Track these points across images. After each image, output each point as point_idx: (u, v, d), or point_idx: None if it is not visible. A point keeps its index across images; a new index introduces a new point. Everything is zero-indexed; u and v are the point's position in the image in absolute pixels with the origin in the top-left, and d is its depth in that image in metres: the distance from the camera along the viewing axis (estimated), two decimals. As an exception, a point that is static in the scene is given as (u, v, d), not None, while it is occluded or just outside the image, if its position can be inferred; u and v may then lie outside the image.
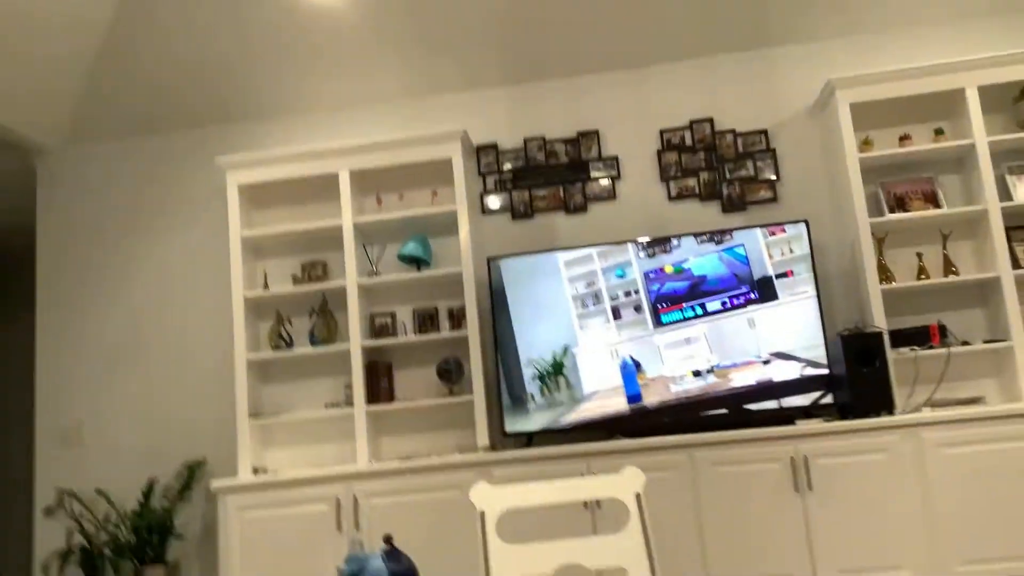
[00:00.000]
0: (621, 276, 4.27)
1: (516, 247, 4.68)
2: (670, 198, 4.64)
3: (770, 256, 4.18)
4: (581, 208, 4.69)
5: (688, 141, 4.67)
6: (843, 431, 3.83)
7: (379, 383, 4.47)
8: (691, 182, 4.63)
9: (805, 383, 4.06)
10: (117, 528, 4.35)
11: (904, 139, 4.36)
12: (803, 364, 4.07)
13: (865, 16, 4.58)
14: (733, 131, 4.65)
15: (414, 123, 4.88)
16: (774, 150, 4.60)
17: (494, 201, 4.76)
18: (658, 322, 4.20)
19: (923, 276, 4.28)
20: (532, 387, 4.23)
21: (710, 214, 4.59)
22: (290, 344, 4.63)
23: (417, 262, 4.58)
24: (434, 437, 4.54)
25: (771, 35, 4.66)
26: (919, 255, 4.34)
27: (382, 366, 4.53)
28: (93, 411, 4.81)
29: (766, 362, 4.09)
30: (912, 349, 4.10)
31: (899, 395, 4.11)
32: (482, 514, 1.70)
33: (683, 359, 4.15)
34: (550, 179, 4.74)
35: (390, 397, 4.52)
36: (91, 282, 4.96)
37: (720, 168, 4.62)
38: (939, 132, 4.35)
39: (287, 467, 4.56)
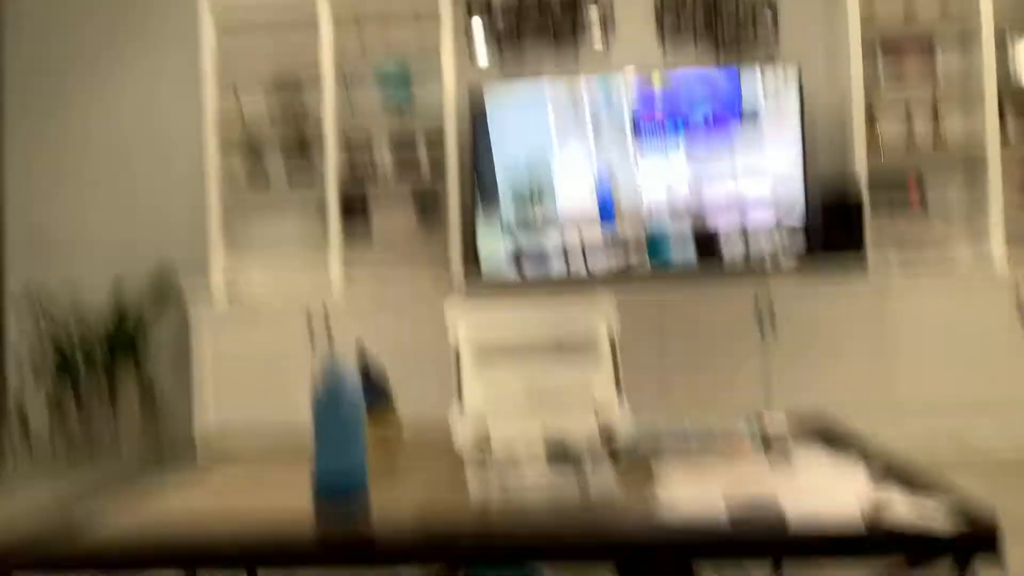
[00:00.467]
0: (607, 99, 4.19)
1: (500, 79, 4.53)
2: (664, 37, 4.48)
3: (763, 92, 4.10)
4: (571, 51, 4.53)
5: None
6: (813, 277, 3.89)
7: (356, 221, 4.44)
8: (687, 35, 4.47)
9: (773, 204, 4.07)
10: (87, 328, 4.42)
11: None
12: (775, 183, 4.06)
13: None
14: (733, -19, 4.45)
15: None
16: (775, 8, 4.42)
17: (481, 41, 4.57)
18: (639, 142, 4.15)
19: (910, 137, 4.23)
20: (507, 207, 4.22)
21: (704, 61, 4.45)
22: (266, 182, 4.54)
23: (398, 100, 4.45)
24: (409, 275, 4.54)
25: None
26: (908, 110, 4.27)
27: (359, 203, 4.48)
28: (64, 211, 4.79)
29: (739, 186, 4.08)
30: (890, 206, 4.11)
31: (873, 251, 4.15)
32: (455, 333, 1.71)
33: (660, 180, 4.14)
34: (541, 21, 4.54)
35: (367, 234, 4.50)
36: (66, 92, 4.81)
37: (718, 23, 4.44)
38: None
39: (259, 284, 4.57)
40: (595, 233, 4.15)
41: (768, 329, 3.89)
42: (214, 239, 4.39)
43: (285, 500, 1.41)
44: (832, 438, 1.66)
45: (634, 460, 1.53)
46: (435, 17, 4.43)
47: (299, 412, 4.09)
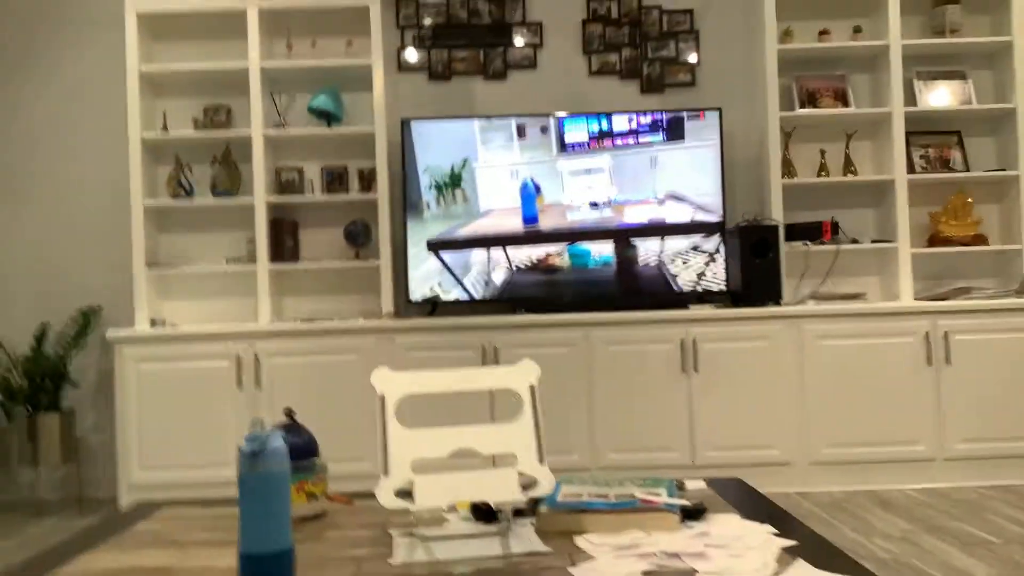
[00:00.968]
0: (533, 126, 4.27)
1: (431, 109, 4.56)
2: (590, 72, 4.58)
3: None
4: (500, 75, 4.59)
5: (614, 13, 4.58)
6: (731, 318, 4.02)
7: (283, 241, 4.40)
8: (612, 58, 4.57)
9: (693, 227, 4.20)
10: (9, 373, 4.25)
11: (823, 34, 4.39)
12: (694, 208, 4.19)
13: (803, -100, 4.48)
14: (659, 7, 4.57)
15: (331, -34, 4.59)
16: (697, 32, 4.57)
17: (411, 57, 4.60)
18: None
19: (824, 173, 4.43)
20: (428, 195, 4.25)
21: (628, 93, 4.57)
22: (190, 192, 4.47)
23: (328, 117, 4.43)
24: (338, 300, 4.54)
25: (708, -90, 4.52)
26: (823, 152, 4.46)
27: (287, 223, 4.44)
28: (-24, 248, 4.59)
29: (661, 202, 4.21)
30: (804, 243, 4.29)
31: (788, 286, 4.32)
32: (382, 397, 1.74)
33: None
34: (471, 40, 4.59)
35: (295, 256, 4.47)
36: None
37: (643, 46, 4.57)
38: (858, 30, 4.39)
39: (185, 320, 4.51)
40: (515, 223, 4.21)
41: (691, 366, 4.01)
42: (137, 264, 4.28)
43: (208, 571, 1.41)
44: (750, 506, 1.73)
45: (555, 520, 1.58)
46: (365, 28, 4.41)
47: (224, 455, 4.10)
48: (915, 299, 4.23)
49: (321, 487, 1.77)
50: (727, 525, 1.55)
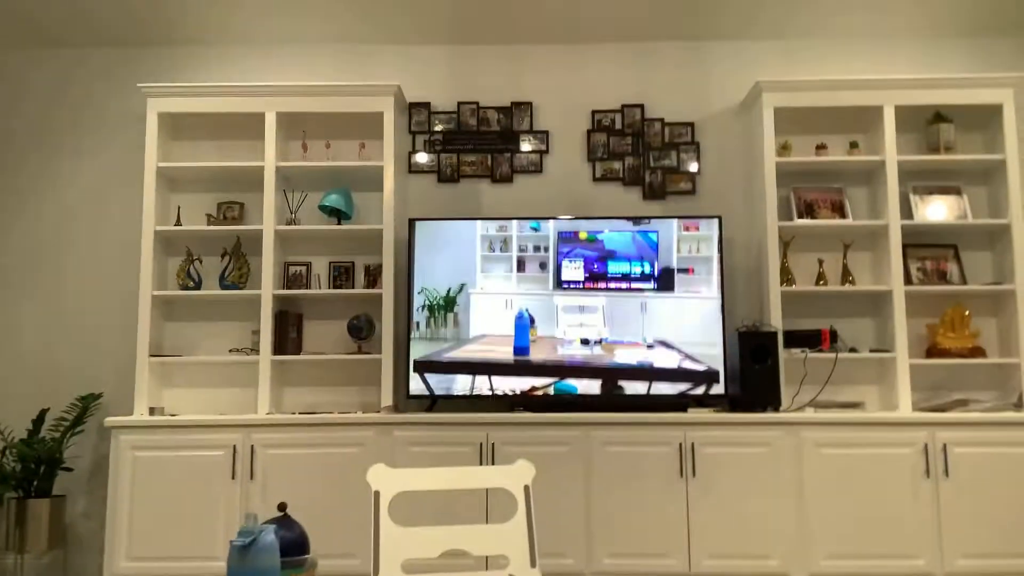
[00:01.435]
0: (535, 229, 4.35)
1: (439, 210, 4.69)
2: (594, 179, 4.72)
3: (678, 250, 4.32)
4: (507, 179, 4.72)
5: (618, 124, 4.75)
6: (730, 423, 4.02)
7: (287, 333, 4.45)
8: (616, 165, 4.72)
9: (681, 373, 4.23)
10: (2, 456, 4.24)
11: (820, 148, 4.53)
12: (682, 356, 4.23)
13: (799, 22, 4.70)
14: (662, 120, 4.74)
15: (348, 71, 4.80)
16: (698, 143, 4.72)
17: (422, 160, 4.75)
18: (559, 283, 4.30)
19: (822, 282, 4.49)
20: (419, 316, 4.30)
21: (631, 199, 4.69)
22: (198, 284, 4.55)
23: (338, 214, 4.54)
24: (338, 392, 4.56)
25: (708, 29, 4.74)
26: (820, 261, 4.54)
27: (292, 316, 4.50)
28: (-16, 331, 4.65)
29: (650, 347, 4.25)
30: (803, 351, 4.32)
31: (786, 393, 4.33)
32: (376, 494, 1.76)
33: (576, 325, 4.27)
34: (480, 145, 4.75)
35: (297, 348, 4.51)
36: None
37: (645, 155, 4.72)
38: (854, 145, 4.54)
39: (185, 409, 4.52)
40: (506, 352, 4.26)
41: (689, 470, 3.99)
42: (140, 353, 4.33)
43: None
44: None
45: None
46: (378, 132, 4.57)
47: (214, 547, 4.04)
48: (913, 410, 4.23)
49: (311, 584, 1.76)
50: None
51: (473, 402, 4.37)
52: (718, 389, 4.23)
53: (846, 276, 4.50)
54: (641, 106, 4.75)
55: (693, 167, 4.70)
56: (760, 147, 4.49)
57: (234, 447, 4.05)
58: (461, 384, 4.26)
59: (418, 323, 4.30)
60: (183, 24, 4.71)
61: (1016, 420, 4.02)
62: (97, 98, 4.80)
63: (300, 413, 4.24)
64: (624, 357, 4.25)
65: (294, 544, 1.78)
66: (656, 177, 4.70)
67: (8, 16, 4.65)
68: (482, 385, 4.25)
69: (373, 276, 4.57)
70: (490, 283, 4.31)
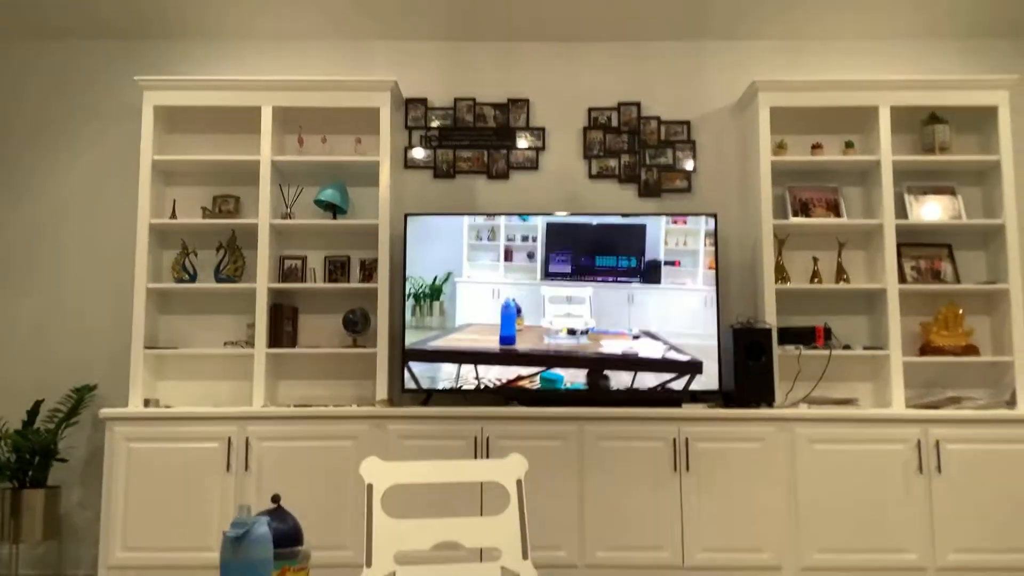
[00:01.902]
0: (524, 220, 4.36)
1: (435, 205, 4.70)
2: (590, 176, 4.73)
3: (666, 243, 4.33)
4: (503, 175, 4.73)
5: (614, 122, 4.76)
6: (724, 418, 4.04)
7: (282, 326, 4.46)
8: (612, 163, 4.73)
9: (665, 364, 4.24)
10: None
11: (816, 147, 4.55)
12: (667, 347, 4.25)
13: (796, 22, 4.71)
14: (658, 118, 4.75)
15: (345, 66, 4.80)
16: (694, 142, 4.73)
17: (418, 156, 4.75)
18: (547, 274, 4.31)
19: (816, 279, 4.51)
20: (405, 304, 4.33)
21: (626, 197, 4.70)
22: (193, 277, 4.55)
23: (333, 209, 4.55)
24: (333, 385, 4.57)
25: (704, 28, 4.75)
26: (815, 259, 4.56)
27: (287, 309, 4.51)
28: (-21, 323, 4.65)
29: (635, 337, 4.27)
30: (797, 347, 4.34)
31: (780, 389, 4.35)
32: (369, 487, 1.77)
33: (563, 315, 4.28)
34: (476, 142, 4.76)
35: (292, 341, 4.52)
36: (-12, 189, 4.75)
37: (641, 153, 4.73)
38: (849, 145, 4.55)
39: (180, 401, 4.53)
40: (492, 341, 4.27)
41: (682, 465, 4.01)
42: (136, 345, 4.33)
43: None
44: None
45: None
46: (374, 128, 4.58)
47: (208, 538, 4.06)
48: (907, 407, 4.25)
49: (303, 574, 1.78)
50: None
51: (468, 396, 4.39)
52: (712, 384, 4.25)
53: (841, 274, 4.52)
54: (637, 104, 4.76)
55: (689, 165, 4.71)
56: (756, 146, 4.51)
57: (229, 439, 4.06)
58: (455, 377, 4.27)
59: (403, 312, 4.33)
60: (180, 17, 4.71)
61: (1008, 417, 4.05)
62: (94, 91, 4.80)
63: (295, 406, 4.24)
64: (610, 347, 4.27)
65: (287, 535, 1.79)
66: (652, 175, 4.71)
67: (5, 7, 4.64)
68: (476, 379, 4.26)
69: (368, 270, 4.58)
70: (477, 272, 4.32)
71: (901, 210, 4.54)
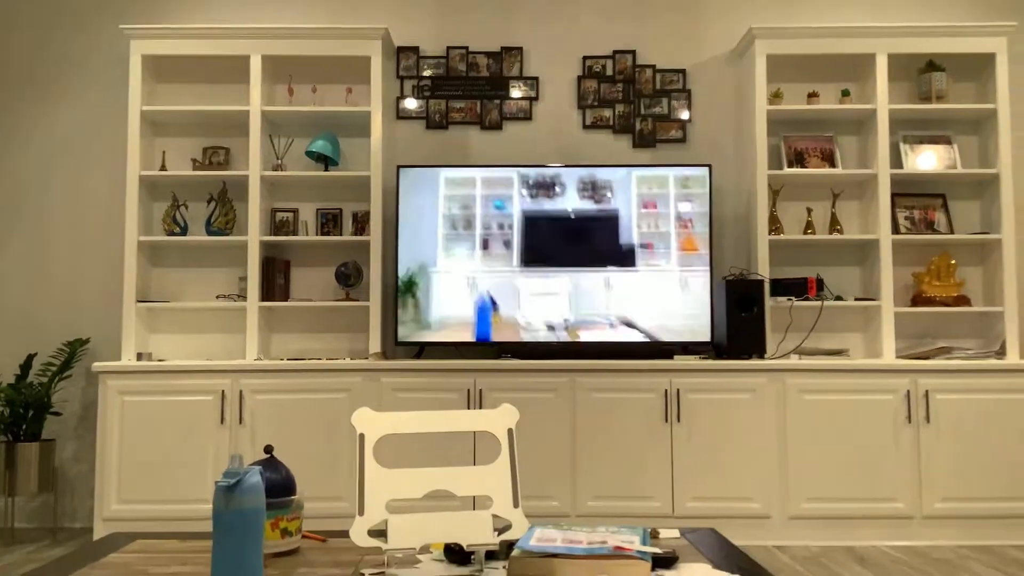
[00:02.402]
0: (499, 208, 4.32)
1: (428, 157, 4.65)
2: (584, 126, 4.68)
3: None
4: (496, 125, 4.68)
5: (609, 71, 4.69)
6: (715, 370, 4.06)
7: (275, 279, 4.44)
8: (606, 112, 4.67)
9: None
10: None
11: (812, 96, 4.50)
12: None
13: (794, -32, 4.63)
14: (653, 67, 4.69)
15: (335, 14, 4.71)
16: (689, 91, 4.68)
17: (410, 106, 4.69)
18: (524, 263, 4.28)
19: (810, 231, 4.50)
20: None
21: (621, 147, 4.66)
22: (184, 230, 4.52)
23: (325, 160, 4.50)
24: (326, 338, 4.57)
25: (702, -26, 4.67)
26: (809, 210, 4.54)
27: (279, 263, 4.49)
28: (-31, 277, 4.62)
29: (612, 326, 4.26)
30: (789, 299, 4.34)
31: (772, 341, 4.37)
32: (361, 436, 1.77)
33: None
34: (469, 91, 4.69)
35: (285, 295, 4.51)
36: (-27, 141, 4.68)
37: (636, 102, 4.68)
38: (845, 93, 4.51)
39: (172, 354, 4.53)
40: (466, 336, 4.25)
41: (673, 416, 4.04)
42: (127, 299, 4.31)
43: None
44: (722, 556, 1.75)
45: (528, 565, 1.59)
46: (366, 77, 4.51)
47: (203, 490, 4.08)
48: (897, 357, 4.28)
49: (296, 524, 1.79)
50: (697, 574, 1.58)
51: (461, 349, 4.39)
52: (703, 336, 4.26)
53: (834, 225, 4.51)
54: (632, 52, 4.69)
55: (684, 115, 4.66)
56: (752, 95, 4.46)
57: (222, 392, 4.07)
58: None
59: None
60: (165, -37, 4.61)
61: (997, 368, 4.08)
62: (81, 40, 4.71)
63: (288, 359, 4.25)
64: (587, 338, 4.25)
65: (280, 486, 1.80)
66: (647, 125, 4.66)
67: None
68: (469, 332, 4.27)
69: (361, 223, 4.55)
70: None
71: (896, 160, 4.51)
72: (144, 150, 4.45)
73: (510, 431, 1.81)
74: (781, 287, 4.34)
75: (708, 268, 4.28)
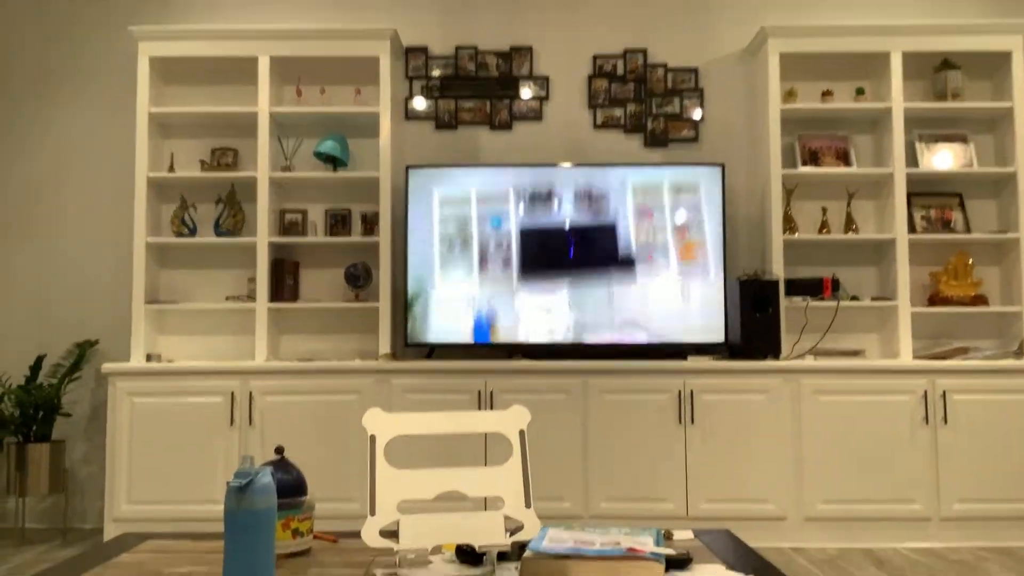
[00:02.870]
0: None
1: (437, 157, 4.62)
2: (595, 126, 4.64)
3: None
4: (506, 125, 4.65)
5: (620, 70, 4.66)
6: (729, 371, 4.01)
7: (284, 281, 4.42)
8: (617, 112, 4.64)
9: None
10: (1, 402, 4.24)
11: (826, 95, 4.45)
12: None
13: (807, -35, 4.59)
14: (665, 65, 4.65)
15: (343, 14, 4.69)
16: (702, 90, 4.64)
17: (419, 106, 4.67)
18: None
19: (825, 230, 4.45)
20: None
21: (632, 146, 4.62)
22: (193, 231, 4.51)
23: (334, 161, 4.48)
24: (336, 340, 4.54)
25: (714, -29, 4.63)
26: (824, 209, 4.50)
27: (288, 264, 4.47)
28: (-21, 279, 4.62)
29: (623, 329, 4.21)
30: (804, 299, 4.29)
31: (787, 342, 4.32)
32: (372, 438, 1.74)
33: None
34: (478, 91, 4.67)
35: (294, 296, 4.49)
36: (-17, 143, 4.68)
37: (647, 101, 4.64)
38: (860, 92, 4.46)
39: (181, 356, 4.51)
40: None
41: (687, 418, 3.99)
42: (136, 300, 4.29)
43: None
44: (736, 558, 1.72)
45: (540, 566, 1.56)
46: (374, 77, 4.49)
47: (214, 492, 4.06)
48: (914, 358, 4.22)
49: (307, 525, 1.76)
50: (711, 575, 1.54)
51: (472, 350, 4.36)
52: (717, 337, 4.22)
53: (849, 224, 4.46)
54: (644, 51, 4.66)
55: (696, 114, 4.62)
56: (765, 94, 4.41)
57: (232, 394, 4.05)
58: (458, 332, 4.24)
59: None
60: (174, -36, 4.60)
61: (1016, 368, 4.02)
62: (91, 42, 4.70)
63: (298, 360, 4.23)
64: (596, 340, 4.22)
65: (291, 486, 1.77)
66: (658, 124, 4.63)
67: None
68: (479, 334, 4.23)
69: (370, 224, 4.52)
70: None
71: (912, 158, 4.46)
72: (152, 152, 4.44)
73: (522, 432, 1.78)
74: (796, 287, 4.30)
75: (722, 269, 4.24)
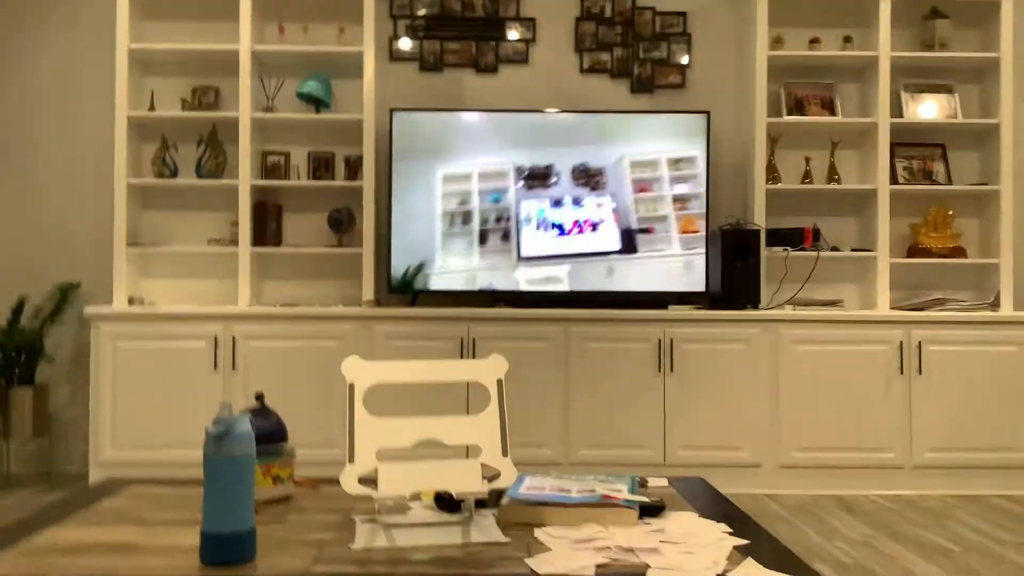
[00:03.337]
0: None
1: (421, 100, 4.57)
2: (582, 70, 4.59)
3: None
4: (492, 68, 4.59)
5: (607, 13, 4.59)
6: (709, 320, 4.06)
7: (267, 224, 4.40)
8: (604, 56, 4.58)
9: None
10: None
11: (814, 42, 4.42)
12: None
13: (800, -92, 4.50)
14: (653, 9, 4.59)
15: (326, -49, 4.58)
16: (689, 35, 4.58)
17: (404, 47, 4.59)
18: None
19: (808, 180, 4.46)
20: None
21: (619, 92, 4.58)
22: (174, 173, 4.46)
23: (316, 102, 4.42)
24: (319, 285, 4.54)
25: (705, -87, 4.54)
26: (807, 159, 4.49)
27: (271, 207, 4.44)
28: (-43, 219, 4.56)
29: (605, 276, 4.23)
30: (785, 249, 4.32)
31: (766, 291, 4.36)
32: (351, 386, 1.76)
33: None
34: (464, 32, 4.59)
35: (277, 240, 4.47)
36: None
37: (635, 46, 4.58)
38: (848, 40, 4.42)
39: (164, 300, 4.50)
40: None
41: (667, 366, 4.04)
42: (118, 242, 4.26)
43: (170, 558, 1.42)
44: (709, 505, 1.76)
45: (517, 512, 1.60)
46: (358, 16, 4.41)
47: (197, 436, 4.08)
48: (891, 308, 4.27)
49: (288, 471, 1.78)
50: (683, 522, 1.58)
51: (455, 297, 4.38)
52: (698, 286, 4.25)
53: (832, 174, 4.47)
54: (632, -7, 4.59)
55: (684, 59, 4.58)
56: (752, 40, 4.37)
57: (215, 338, 4.06)
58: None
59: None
60: None
61: (990, 319, 4.08)
62: (63, -25, 4.58)
63: (281, 305, 4.23)
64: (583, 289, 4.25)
65: (271, 432, 1.79)
66: (645, 69, 4.58)
67: None
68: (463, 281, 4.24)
69: (353, 168, 4.48)
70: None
71: (897, 109, 4.45)
72: (132, 90, 4.36)
73: (499, 381, 1.80)
74: (777, 237, 4.32)
75: (704, 217, 4.25)
